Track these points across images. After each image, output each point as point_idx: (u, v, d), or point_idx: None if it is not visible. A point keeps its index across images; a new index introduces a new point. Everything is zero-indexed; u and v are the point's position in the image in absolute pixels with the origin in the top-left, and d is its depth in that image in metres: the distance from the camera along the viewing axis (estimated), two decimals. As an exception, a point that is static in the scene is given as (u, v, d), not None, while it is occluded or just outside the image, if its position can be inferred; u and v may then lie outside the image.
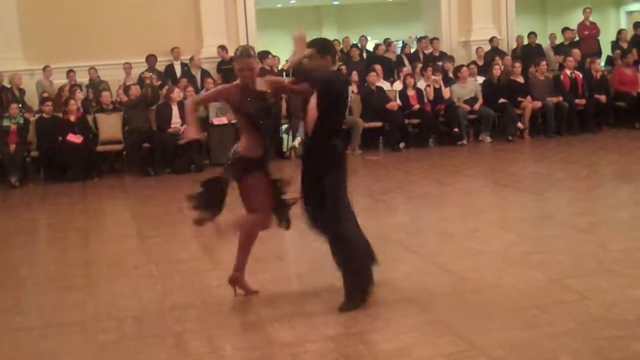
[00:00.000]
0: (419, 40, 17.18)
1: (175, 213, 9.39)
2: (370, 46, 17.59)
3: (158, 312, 5.66)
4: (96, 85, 14.35)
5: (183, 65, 15.23)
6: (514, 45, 17.25)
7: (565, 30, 17.19)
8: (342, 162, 5.60)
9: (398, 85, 14.46)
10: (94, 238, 8.48)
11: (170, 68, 15.15)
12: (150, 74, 13.86)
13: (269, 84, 5.78)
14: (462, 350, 4.60)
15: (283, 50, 16.41)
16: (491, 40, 16.61)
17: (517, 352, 4.54)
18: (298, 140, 13.15)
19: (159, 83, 13.77)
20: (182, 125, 12.65)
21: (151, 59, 14.94)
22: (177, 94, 12.94)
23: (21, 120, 12.54)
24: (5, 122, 12.44)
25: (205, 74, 14.65)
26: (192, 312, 5.65)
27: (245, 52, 5.65)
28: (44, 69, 14.38)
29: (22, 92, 14.16)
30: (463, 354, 4.54)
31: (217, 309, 5.69)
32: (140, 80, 14.03)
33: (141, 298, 6.01)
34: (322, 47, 5.64)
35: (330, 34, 21.47)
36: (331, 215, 5.46)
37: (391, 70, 15.60)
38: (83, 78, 14.53)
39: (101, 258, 7.43)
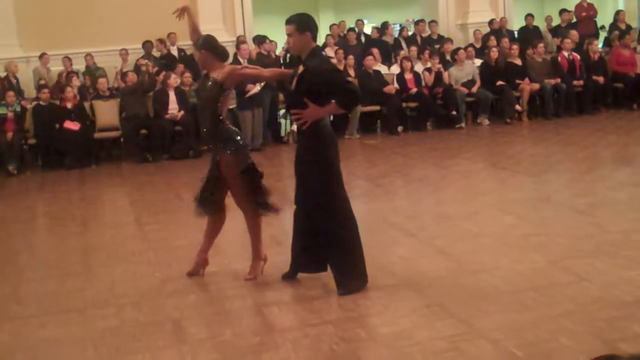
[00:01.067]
0: (416, 23, 17.13)
1: (173, 199, 9.39)
2: (368, 30, 17.52)
3: (156, 298, 5.65)
4: (92, 72, 14.31)
5: (180, 50, 15.17)
6: (512, 27, 17.19)
7: (562, 11, 17.13)
8: (335, 143, 5.60)
9: (395, 69, 14.43)
10: (92, 225, 8.48)
11: (168, 53, 15.09)
12: (146, 61, 13.82)
13: (226, 74, 5.81)
14: (461, 333, 4.60)
15: (280, 35, 16.34)
16: (491, 22, 16.53)
17: (516, 334, 4.54)
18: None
19: (155, 70, 13.72)
20: (179, 111, 12.64)
21: (148, 45, 14.89)
22: (173, 79, 12.91)
23: (18, 108, 12.53)
24: (2, 110, 12.43)
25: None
26: (190, 298, 5.65)
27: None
28: (41, 56, 14.32)
29: (17, 79, 14.11)
30: (462, 337, 4.54)
31: (216, 295, 5.70)
32: (137, 67, 13.98)
33: (140, 285, 6.01)
34: (300, 23, 5.44)
35: (327, 18, 21.38)
36: (332, 197, 5.46)
37: (388, 53, 15.55)
38: (79, 65, 14.48)
39: (99, 245, 7.42)
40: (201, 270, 6.09)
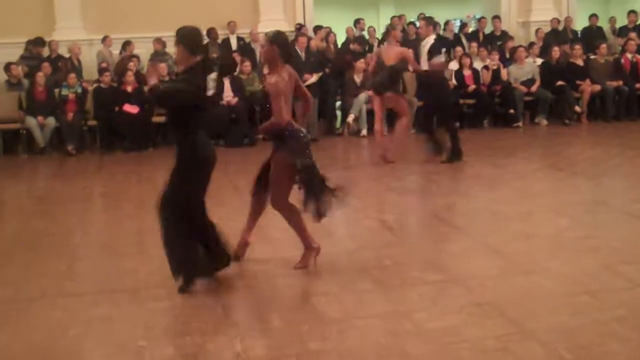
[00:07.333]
0: (479, 20, 16.97)
1: (227, 185, 9.45)
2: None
3: (207, 283, 5.70)
4: (160, 56, 14.40)
5: (239, 39, 15.26)
6: (575, 27, 16.92)
7: (630, 13, 16.80)
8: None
9: (454, 65, 14.31)
10: (148, 207, 8.44)
11: (226, 42, 15.19)
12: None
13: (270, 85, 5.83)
14: (510, 334, 4.56)
15: (340, 26, 16.37)
16: (552, 21, 16.31)
17: (566, 337, 4.49)
18: (352, 117, 13.13)
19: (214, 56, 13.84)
20: (234, 98, 12.73)
21: (212, 32, 14.96)
22: None
23: (79, 90, 12.76)
24: (64, 91, 12.68)
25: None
26: (241, 284, 5.70)
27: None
28: (104, 39, 14.50)
29: (80, 61, 14.35)
30: (512, 337, 4.50)
31: (266, 282, 5.73)
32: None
33: (192, 268, 6.07)
34: (176, 37, 5.57)
35: (387, 11, 21.28)
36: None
37: (448, 49, 15.42)
38: (139, 49, 14.61)
39: (154, 227, 7.40)
40: (243, 252, 6.15)
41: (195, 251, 5.56)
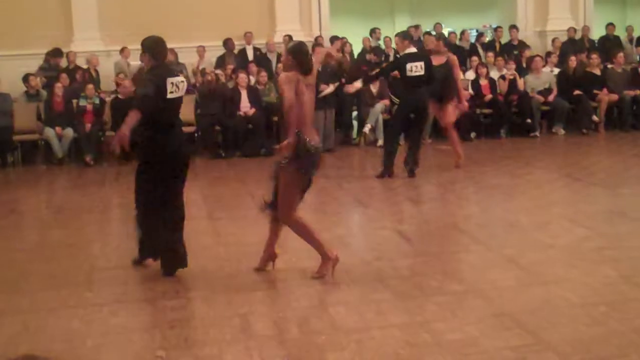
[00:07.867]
0: (495, 29, 16.96)
1: (245, 196, 9.49)
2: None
3: (225, 293, 5.71)
4: (174, 66, 14.46)
5: (255, 49, 15.31)
6: (592, 36, 16.87)
7: (646, 22, 16.79)
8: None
9: (471, 75, 14.31)
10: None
11: (243, 52, 15.25)
12: (212, 70, 13.84)
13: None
14: (528, 344, 4.55)
15: (357, 36, 16.40)
16: (568, 30, 16.29)
17: (585, 348, 4.47)
18: (368, 127, 13.14)
19: (231, 68, 13.83)
20: (251, 108, 12.75)
21: (229, 43, 15.03)
22: (242, 79, 12.99)
23: (97, 101, 12.83)
24: (82, 102, 12.75)
25: (280, 58, 14.60)
26: (258, 294, 5.71)
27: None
28: (122, 50, 14.58)
29: (98, 72, 14.44)
30: (530, 348, 4.49)
31: (283, 292, 5.75)
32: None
33: (209, 279, 6.09)
34: (142, 47, 6.32)
35: (403, 21, 21.32)
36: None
37: (464, 59, 15.43)
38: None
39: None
40: (271, 264, 6.16)
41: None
